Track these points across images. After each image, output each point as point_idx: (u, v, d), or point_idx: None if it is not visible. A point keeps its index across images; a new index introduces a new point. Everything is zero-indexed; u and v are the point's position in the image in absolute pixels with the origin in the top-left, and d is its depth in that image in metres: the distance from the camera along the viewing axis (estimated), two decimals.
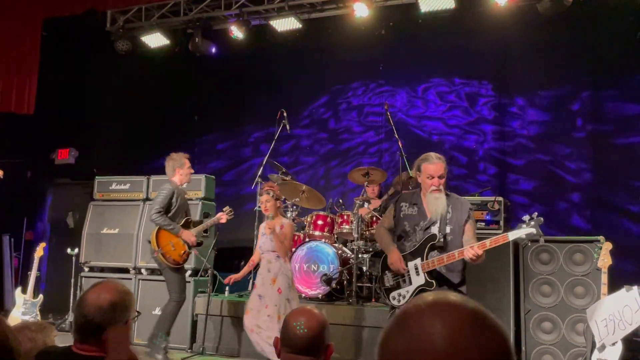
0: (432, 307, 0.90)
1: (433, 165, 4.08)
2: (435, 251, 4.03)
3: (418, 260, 4.04)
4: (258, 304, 5.29)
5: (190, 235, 5.81)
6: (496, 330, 0.88)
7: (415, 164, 4.23)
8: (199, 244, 5.96)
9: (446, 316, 0.88)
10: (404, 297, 4.12)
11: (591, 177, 7.30)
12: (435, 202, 4.05)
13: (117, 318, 2.12)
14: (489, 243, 3.88)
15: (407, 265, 4.09)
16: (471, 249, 3.85)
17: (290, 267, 5.49)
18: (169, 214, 5.78)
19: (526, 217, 3.93)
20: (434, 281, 4.02)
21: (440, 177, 4.05)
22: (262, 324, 5.20)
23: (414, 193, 4.31)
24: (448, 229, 4.04)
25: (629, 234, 6.83)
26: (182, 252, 5.81)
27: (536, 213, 3.94)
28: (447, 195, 4.14)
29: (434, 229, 4.04)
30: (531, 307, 5.52)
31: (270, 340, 5.12)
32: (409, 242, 4.14)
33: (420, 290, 4.04)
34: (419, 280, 4.05)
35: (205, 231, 6.97)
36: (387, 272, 4.24)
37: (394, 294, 4.17)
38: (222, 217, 6.01)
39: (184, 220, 5.89)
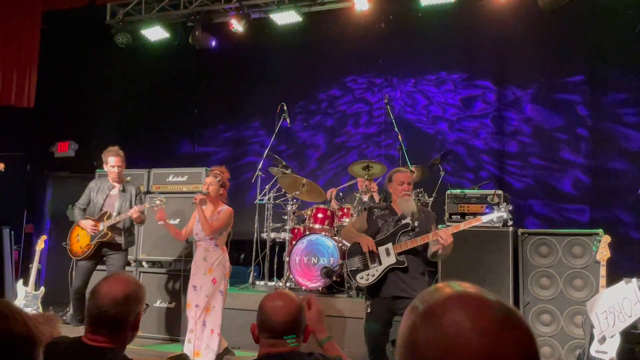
0: (458, 301, 0.90)
1: (403, 174, 4.61)
2: (406, 237, 4.41)
3: (389, 244, 4.41)
4: (195, 297, 5.12)
5: (87, 223, 5.81)
6: (525, 328, 0.89)
7: (387, 176, 4.72)
8: (102, 235, 5.83)
9: (476, 311, 0.88)
10: (373, 275, 4.42)
11: (591, 171, 7.34)
12: (406, 204, 4.51)
13: (130, 310, 2.16)
14: (463, 225, 4.37)
15: (377, 249, 4.44)
16: (445, 230, 4.28)
17: (227, 258, 5.29)
18: (88, 208, 5.97)
19: (496, 205, 4.52)
20: (404, 260, 4.36)
21: (409, 184, 4.55)
22: (192, 316, 5.07)
23: (384, 204, 4.83)
24: (416, 223, 4.46)
25: (627, 227, 6.87)
26: (85, 244, 5.86)
27: (505, 203, 4.61)
28: (419, 203, 4.79)
29: (406, 220, 4.46)
30: (530, 299, 5.56)
31: (194, 333, 4.98)
32: (380, 233, 4.52)
33: (391, 269, 4.37)
34: (389, 260, 4.39)
35: None
36: (354, 257, 4.54)
37: (362, 274, 4.47)
38: (134, 211, 5.75)
39: (100, 214, 5.90)
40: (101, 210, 5.91)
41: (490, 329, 0.86)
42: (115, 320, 2.12)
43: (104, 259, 5.94)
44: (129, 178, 6.29)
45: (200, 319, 5.02)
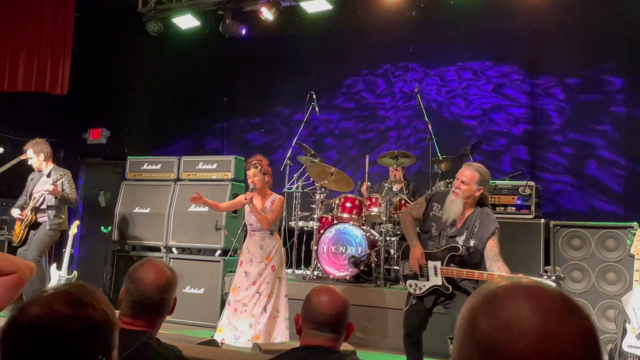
0: (519, 288, 0.91)
1: (462, 169, 4.15)
2: (454, 261, 4.09)
3: (438, 263, 4.11)
4: (245, 282, 5.20)
5: (15, 212, 6.31)
6: (583, 313, 0.89)
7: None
8: (28, 220, 6.21)
9: (537, 297, 0.90)
10: (420, 289, 4.21)
11: (625, 161, 7.17)
12: (451, 204, 4.09)
13: (171, 295, 2.22)
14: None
15: (426, 262, 4.17)
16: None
17: (281, 245, 5.37)
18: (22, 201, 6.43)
19: (549, 270, 3.97)
20: (450, 286, 4.08)
21: (463, 182, 4.05)
22: (249, 302, 5.13)
23: (445, 194, 4.27)
24: (472, 243, 4.06)
25: None
26: (18, 231, 6.29)
27: (559, 269, 4.21)
28: (479, 208, 4.14)
29: (459, 240, 4.09)
30: None
31: (255, 319, 5.05)
32: (432, 242, 4.21)
33: (435, 289, 4.14)
34: (436, 280, 4.14)
35: (235, 212, 7.07)
36: (406, 261, 4.32)
37: (411, 282, 4.26)
38: (47, 186, 6.09)
39: (30, 201, 6.32)
40: (31, 197, 6.31)
41: (550, 312, 0.87)
42: (159, 305, 2.17)
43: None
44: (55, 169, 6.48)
45: (261, 305, 5.11)
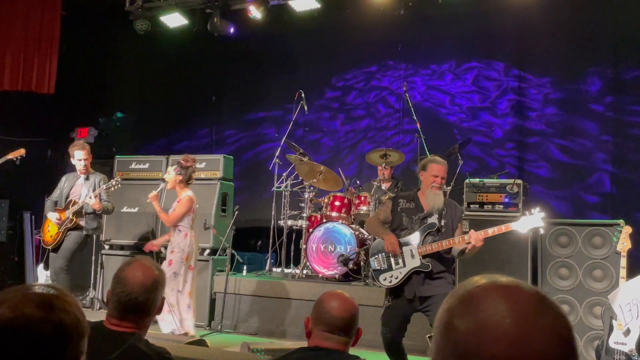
0: (495, 288, 0.92)
1: (439, 166, 4.38)
2: (431, 238, 4.26)
3: (414, 245, 4.26)
4: None
5: (53, 216, 6.07)
6: (559, 312, 0.90)
7: (422, 163, 4.53)
8: (62, 222, 6.03)
9: (513, 297, 0.90)
10: (396, 277, 4.29)
11: (612, 159, 7.24)
12: (434, 197, 4.33)
13: (158, 295, 2.21)
14: (491, 231, 4.16)
15: (401, 250, 4.28)
16: (474, 233, 4.11)
17: (190, 242, 5.41)
18: (55, 198, 6.22)
19: (527, 211, 4.28)
20: (429, 264, 4.21)
21: (442, 178, 4.36)
22: None
23: (410, 193, 4.57)
24: (443, 222, 4.31)
25: None
26: (54, 233, 6.05)
27: (538, 208, 4.24)
28: (444, 195, 4.53)
29: (432, 219, 4.30)
30: (549, 289, 5.52)
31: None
32: (404, 230, 4.36)
33: (415, 272, 4.23)
34: (413, 262, 4.24)
35: (224, 210, 7.06)
36: (377, 255, 4.40)
37: (385, 275, 4.33)
38: (93, 199, 5.96)
39: (66, 203, 6.13)
40: (67, 199, 6.14)
41: (524, 313, 0.88)
42: (145, 306, 2.16)
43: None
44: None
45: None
